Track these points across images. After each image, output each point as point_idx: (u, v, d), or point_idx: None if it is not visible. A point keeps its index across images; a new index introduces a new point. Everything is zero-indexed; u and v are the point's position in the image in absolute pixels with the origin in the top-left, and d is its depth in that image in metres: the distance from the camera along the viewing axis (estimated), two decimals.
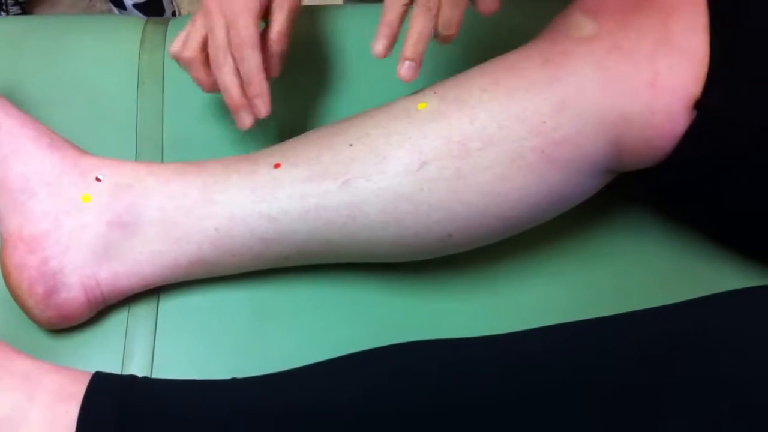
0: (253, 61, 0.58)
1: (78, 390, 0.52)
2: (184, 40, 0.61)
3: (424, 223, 0.57)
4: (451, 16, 0.53)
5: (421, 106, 0.58)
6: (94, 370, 0.55)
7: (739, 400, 0.46)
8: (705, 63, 0.54)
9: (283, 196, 0.58)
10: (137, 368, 0.60)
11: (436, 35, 0.55)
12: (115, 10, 1.42)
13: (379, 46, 0.55)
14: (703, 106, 0.53)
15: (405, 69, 0.55)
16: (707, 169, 0.56)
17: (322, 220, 0.58)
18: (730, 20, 0.54)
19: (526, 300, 0.65)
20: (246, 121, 0.60)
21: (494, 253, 0.64)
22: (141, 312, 0.62)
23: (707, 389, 0.46)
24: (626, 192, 0.65)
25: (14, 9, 1.48)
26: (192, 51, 0.60)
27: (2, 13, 1.45)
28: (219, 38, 0.58)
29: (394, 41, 0.56)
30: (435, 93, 0.59)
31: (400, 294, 0.64)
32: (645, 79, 0.54)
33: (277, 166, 0.59)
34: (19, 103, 0.62)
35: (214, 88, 0.61)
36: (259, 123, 0.61)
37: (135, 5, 1.39)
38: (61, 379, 0.53)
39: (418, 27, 0.54)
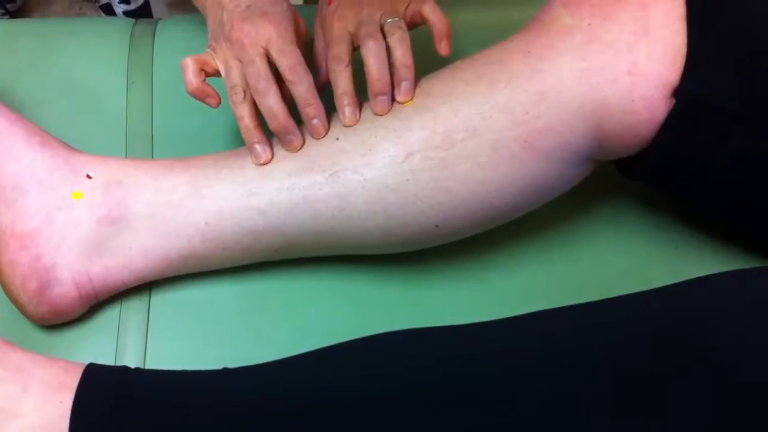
0: (307, 82, 0.59)
1: (71, 381, 0.52)
2: (196, 73, 0.60)
3: (410, 213, 0.58)
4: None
5: (407, 101, 0.59)
6: None
7: (729, 379, 0.46)
8: (683, 51, 0.55)
9: (272, 189, 0.59)
10: (130, 362, 0.60)
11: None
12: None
13: (351, 117, 0.60)
14: (681, 93, 0.54)
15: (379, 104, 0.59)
16: (687, 155, 0.57)
17: (311, 212, 0.58)
18: (707, 9, 0.55)
19: (513, 288, 0.66)
20: (297, 143, 0.60)
21: (482, 243, 0.65)
22: (133, 306, 0.63)
23: (696, 367, 0.47)
24: (609, 181, 0.66)
25: (4, 18, 1.49)
26: (241, 79, 0.60)
27: None
28: (260, 66, 0.58)
29: (357, 102, 0.60)
30: (420, 87, 0.60)
31: (390, 284, 0.65)
32: (624, 68, 0.55)
33: None
34: (11, 103, 0.63)
35: (253, 114, 0.60)
36: None
37: (125, 12, 1.40)
38: (54, 370, 0.53)
39: (372, 71, 0.59)
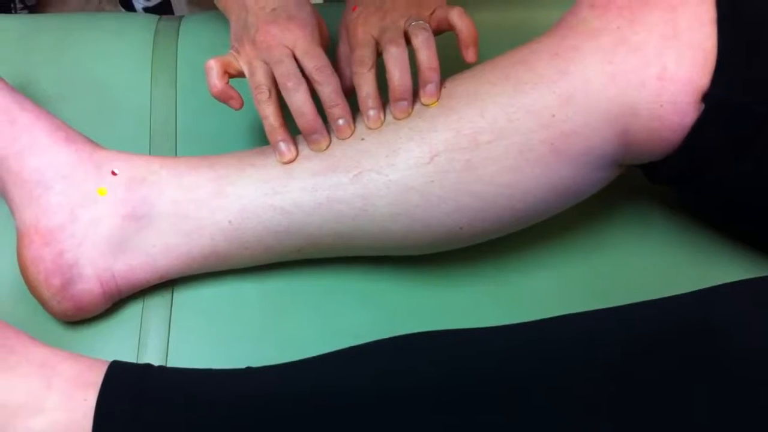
0: (334, 83, 0.59)
1: (95, 378, 0.53)
2: (220, 75, 0.60)
3: (434, 216, 0.58)
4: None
5: (432, 102, 0.59)
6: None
7: (748, 390, 0.46)
8: (713, 56, 0.54)
9: (296, 189, 0.59)
10: (152, 359, 0.61)
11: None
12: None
13: (375, 120, 0.60)
14: (710, 97, 0.54)
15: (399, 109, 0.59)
16: (715, 160, 0.56)
17: (334, 212, 0.58)
18: (738, 13, 0.54)
19: (534, 291, 0.65)
20: (323, 143, 0.60)
21: (503, 246, 0.64)
22: (156, 304, 0.63)
23: (715, 375, 0.46)
24: (633, 185, 0.66)
25: (23, 12, 1.49)
26: (266, 79, 0.60)
27: (12, 12, 1.47)
28: (290, 66, 0.59)
29: (382, 105, 0.60)
30: (445, 89, 0.60)
31: (409, 285, 0.65)
32: (652, 72, 0.54)
33: None
34: (34, 99, 0.63)
35: (278, 113, 0.60)
36: None
37: (145, 9, 1.40)
38: (78, 367, 0.53)
39: (393, 77, 0.59)
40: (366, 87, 0.60)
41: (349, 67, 0.64)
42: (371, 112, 0.59)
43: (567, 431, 0.47)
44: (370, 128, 0.60)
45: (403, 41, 0.60)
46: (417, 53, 0.60)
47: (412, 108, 0.59)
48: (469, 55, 0.61)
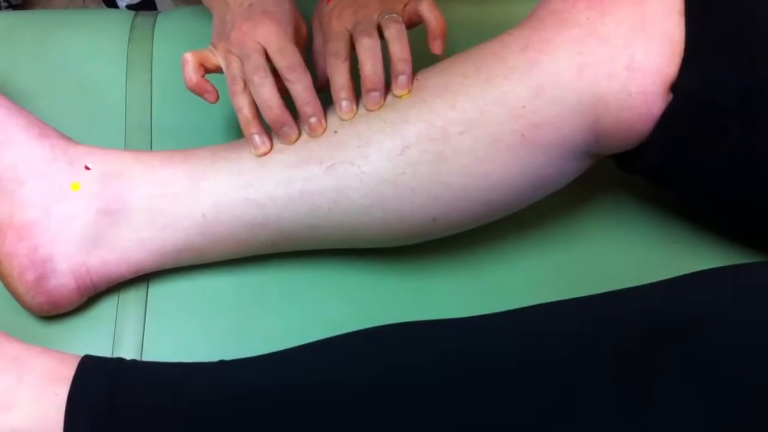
0: (306, 81, 0.59)
1: (67, 372, 0.53)
2: (195, 68, 0.60)
3: (407, 207, 0.58)
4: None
5: (404, 94, 0.59)
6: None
7: (717, 373, 0.46)
8: (681, 46, 0.54)
9: (269, 182, 0.59)
10: (127, 354, 0.61)
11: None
12: None
13: (347, 110, 0.60)
14: (679, 87, 0.54)
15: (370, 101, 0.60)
16: (685, 150, 0.56)
17: (308, 205, 0.59)
18: (705, 3, 0.55)
19: (511, 281, 0.66)
20: (292, 136, 0.60)
21: (480, 236, 0.65)
22: (131, 298, 0.63)
23: (691, 360, 0.47)
24: (607, 175, 0.66)
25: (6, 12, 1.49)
26: (240, 72, 0.60)
27: None
28: (257, 60, 0.58)
29: (354, 96, 0.60)
30: (417, 81, 0.60)
31: (387, 277, 0.65)
32: (621, 62, 0.54)
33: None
34: (9, 95, 0.63)
35: (252, 105, 0.60)
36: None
37: (128, 6, 1.40)
38: (50, 362, 0.54)
39: (365, 68, 0.59)
40: (339, 78, 0.60)
41: (323, 59, 0.64)
42: (344, 103, 0.60)
43: (558, 421, 0.48)
44: (342, 119, 0.60)
45: (375, 33, 0.60)
46: (389, 45, 0.60)
47: (384, 99, 0.60)
48: (436, 47, 0.61)
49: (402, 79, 0.59)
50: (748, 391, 0.45)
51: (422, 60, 0.61)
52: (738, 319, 0.48)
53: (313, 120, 0.59)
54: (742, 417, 0.45)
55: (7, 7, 1.49)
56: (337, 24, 0.62)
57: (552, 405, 0.48)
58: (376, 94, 0.59)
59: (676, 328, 0.48)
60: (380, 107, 0.59)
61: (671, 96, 0.54)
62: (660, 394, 0.46)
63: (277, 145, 0.60)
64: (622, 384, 0.47)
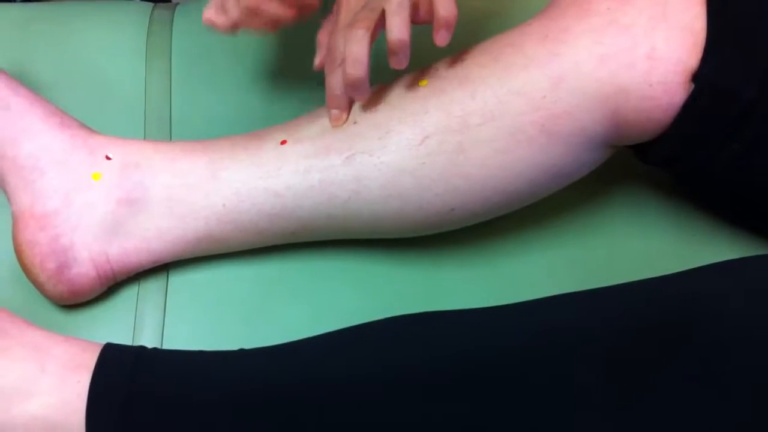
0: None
1: (89, 360, 0.53)
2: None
3: (426, 198, 0.58)
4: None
5: (423, 83, 0.59)
6: None
7: (720, 367, 0.46)
8: (702, 36, 0.54)
9: (288, 172, 0.59)
10: (147, 342, 0.61)
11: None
12: None
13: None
14: (700, 78, 0.54)
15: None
16: (704, 140, 0.56)
17: (326, 194, 0.59)
18: None
19: (526, 273, 0.66)
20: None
21: (495, 228, 0.65)
22: (151, 287, 0.63)
23: (702, 350, 0.47)
24: (625, 166, 0.66)
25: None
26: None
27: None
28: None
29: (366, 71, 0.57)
30: (437, 70, 0.60)
31: (403, 267, 0.65)
32: (642, 52, 0.54)
33: (283, 142, 0.60)
34: (30, 86, 0.63)
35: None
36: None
37: None
38: (72, 350, 0.54)
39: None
40: (356, 50, 0.57)
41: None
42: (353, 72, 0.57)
43: (556, 412, 0.48)
44: (357, 95, 0.59)
45: (370, 23, 0.57)
46: (387, 17, 0.57)
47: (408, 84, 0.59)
48: (439, 38, 0.57)
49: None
50: (750, 389, 0.45)
51: (437, 52, 0.60)
52: (745, 315, 0.47)
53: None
54: (745, 414, 0.45)
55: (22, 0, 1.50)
56: (346, 11, 0.61)
57: (555, 401, 0.48)
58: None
59: (682, 323, 0.48)
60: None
61: (692, 86, 0.54)
62: (664, 389, 0.46)
63: (296, 135, 0.60)
64: (625, 379, 0.47)
